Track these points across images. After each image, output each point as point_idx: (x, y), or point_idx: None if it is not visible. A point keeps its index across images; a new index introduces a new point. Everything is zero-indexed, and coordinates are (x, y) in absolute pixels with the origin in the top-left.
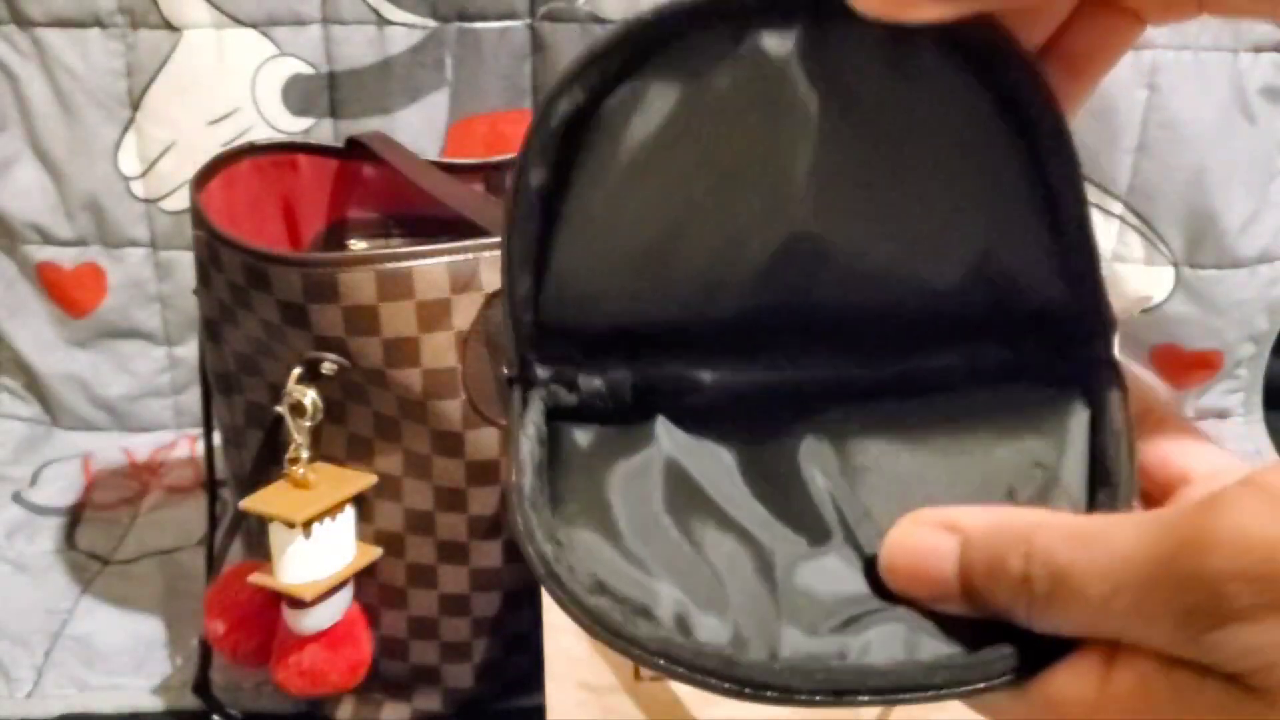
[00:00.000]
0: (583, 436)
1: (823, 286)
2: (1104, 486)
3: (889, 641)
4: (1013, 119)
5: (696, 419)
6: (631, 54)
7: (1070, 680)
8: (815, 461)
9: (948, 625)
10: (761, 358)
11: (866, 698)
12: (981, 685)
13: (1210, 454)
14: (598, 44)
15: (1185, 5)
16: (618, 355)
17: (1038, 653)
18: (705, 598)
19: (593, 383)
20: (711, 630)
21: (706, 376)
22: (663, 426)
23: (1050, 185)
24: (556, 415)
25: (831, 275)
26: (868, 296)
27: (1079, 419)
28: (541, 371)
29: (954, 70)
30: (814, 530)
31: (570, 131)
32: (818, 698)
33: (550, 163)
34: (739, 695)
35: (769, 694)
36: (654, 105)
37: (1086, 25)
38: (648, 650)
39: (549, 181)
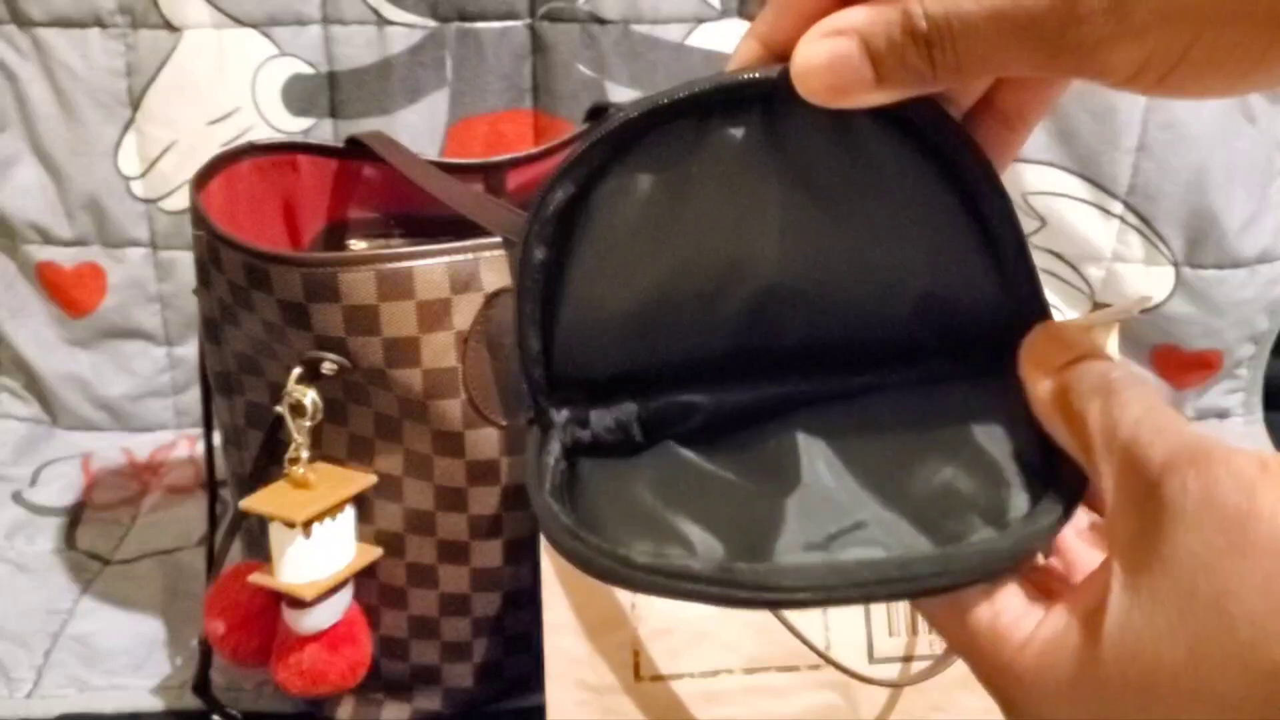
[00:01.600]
0: (597, 466)
1: (795, 325)
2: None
3: (869, 553)
4: (948, 174)
5: (697, 436)
6: (612, 149)
7: (1011, 620)
8: (796, 444)
9: (916, 549)
10: (748, 381)
11: (854, 592)
12: (954, 581)
13: None
14: (584, 143)
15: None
16: (623, 393)
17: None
18: (709, 526)
19: (603, 419)
20: (709, 547)
21: (701, 400)
22: (673, 446)
23: (989, 226)
24: (574, 452)
25: (801, 316)
26: (834, 331)
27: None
28: (556, 415)
29: (892, 139)
30: (796, 481)
31: (565, 216)
32: (806, 595)
33: (549, 242)
34: (734, 602)
35: (763, 595)
36: (635, 190)
37: (1016, 85)
38: (644, 570)
39: (549, 258)
